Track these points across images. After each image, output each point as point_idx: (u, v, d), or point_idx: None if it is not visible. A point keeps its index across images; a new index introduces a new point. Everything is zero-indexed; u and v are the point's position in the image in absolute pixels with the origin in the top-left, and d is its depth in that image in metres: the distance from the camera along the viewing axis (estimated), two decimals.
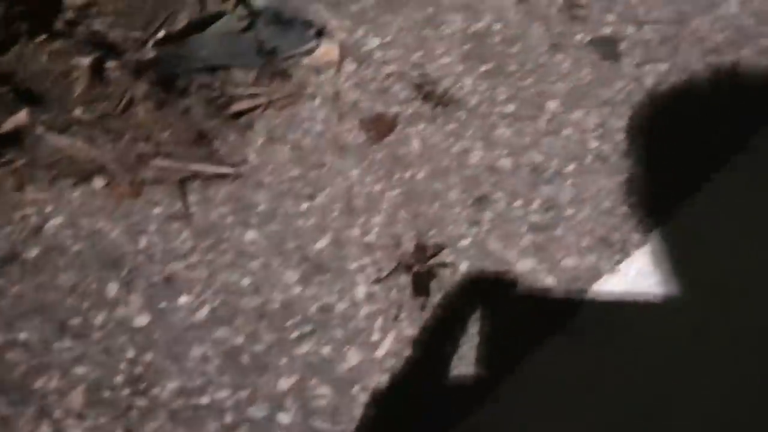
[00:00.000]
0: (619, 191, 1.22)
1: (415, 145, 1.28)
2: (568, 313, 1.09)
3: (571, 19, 1.46)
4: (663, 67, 1.42)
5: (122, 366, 1.01)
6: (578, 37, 1.44)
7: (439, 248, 1.17)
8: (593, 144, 1.29)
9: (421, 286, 1.12)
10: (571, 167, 1.26)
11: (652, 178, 1.24)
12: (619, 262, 1.15)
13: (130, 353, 1.03)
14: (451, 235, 1.17)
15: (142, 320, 1.05)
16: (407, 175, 1.23)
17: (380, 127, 1.28)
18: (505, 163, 1.26)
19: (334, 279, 1.10)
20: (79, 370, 1.01)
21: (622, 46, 1.43)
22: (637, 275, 1.14)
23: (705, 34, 1.45)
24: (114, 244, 1.13)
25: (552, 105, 1.35)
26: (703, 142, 1.28)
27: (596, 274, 1.14)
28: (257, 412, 1.00)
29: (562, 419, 0.99)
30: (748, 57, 1.41)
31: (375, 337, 1.07)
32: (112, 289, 1.08)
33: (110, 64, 1.28)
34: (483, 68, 1.40)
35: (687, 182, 1.24)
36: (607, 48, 1.44)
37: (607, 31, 1.45)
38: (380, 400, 1.01)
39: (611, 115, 1.33)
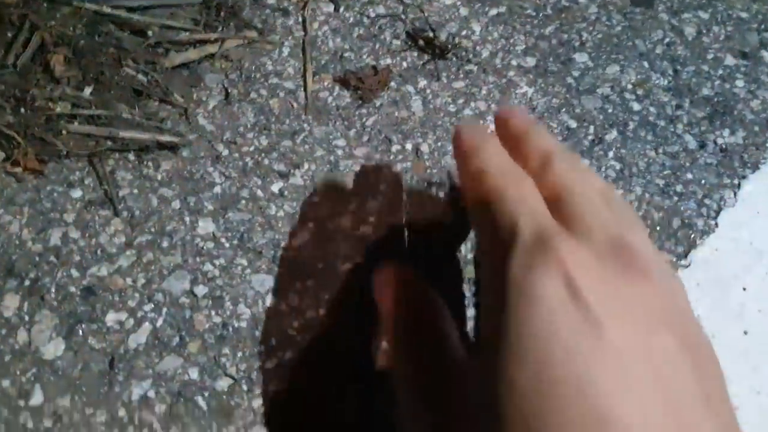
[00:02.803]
0: (674, 166, 0.91)
1: (416, 107, 0.95)
2: None
3: None
4: (704, 15, 1.12)
5: (21, 419, 0.67)
6: None
7: None
8: (635, 106, 0.98)
9: None
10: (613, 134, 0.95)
11: (710, 150, 0.95)
12: (684, 255, 0.85)
13: (36, 398, 0.68)
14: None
15: (53, 350, 0.71)
16: (408, 146, 0.90)
17: (370, 84, 0.95)
18: None
19: (320, 287, 0.77)
20: None
21: None
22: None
23: None
24: (14, 240, 0.78)
25: (580, 58, 1.04)
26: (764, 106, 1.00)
27: None
28: None
29: None
30: None
31: None
32: (11, 304, 0.73)
33: None
34: (493, 12, 1.08)
35: (750, 152, 0.95)
36: None
37: None
38: None
39: (651, 71, 1.03)
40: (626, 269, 0.33)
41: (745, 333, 0.78)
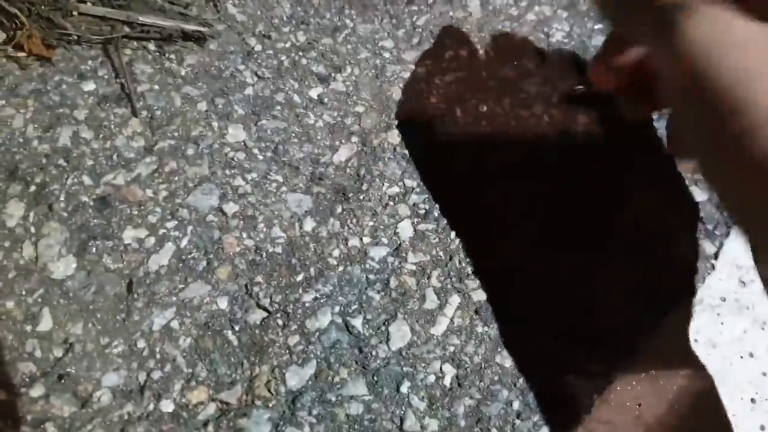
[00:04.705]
0: None
1: (473, 6, 0.82)
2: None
3: None
4: None
5: (28, 346, 0.58)
6: None
7: None
8: None
9: None
10: None
11: None
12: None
13: (44, 323, 0.59)
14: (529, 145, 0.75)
15: (63, 269, 0.61)
16: (463, 52, 0.77)
17: None
18: (601, 42, 0.81)
19: (362, 213, 0.67)
20: None
21: None
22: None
23: None
24: (17, 137, 0.66)
25: None
26: None
27: None
28: (252, 426, 0.59)
29: None
30: None
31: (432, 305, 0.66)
32: (15, 212, 0.63)
33: None
34: None
35: None
36: None
37: None
38: None
39: None
40: None
41: None
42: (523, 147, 0.75)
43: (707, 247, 0.73)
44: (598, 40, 0.82)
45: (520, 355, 0.66)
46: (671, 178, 0.75)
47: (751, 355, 0.65)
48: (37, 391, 0.58)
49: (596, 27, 0.83)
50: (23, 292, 0.60)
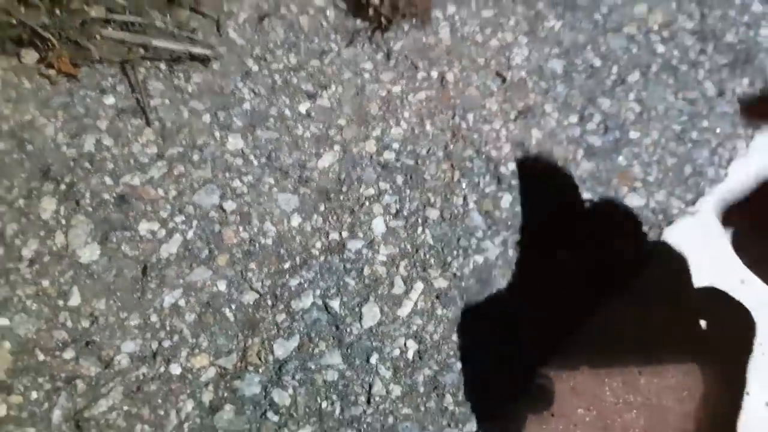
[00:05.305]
0: (692, 112, 0.92)
1: (444, 34, 0.94)
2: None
3: None
4: None
5: (61, 318, 0.70)
6: None
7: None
8: (660, 48, 0.97)
9: None
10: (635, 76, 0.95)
11: (727, 98, 0.94)
12: (692, 202, 0.87)
13: (74, 299, 0.71)
14: (490, 156, 0.87)
15: (89, 254, 0.73)
16: (434, 74, 0.89)
17: (398, 4, 0.93)
18: (556, 65, 0.94)
19: (342, 211, 0.79)
20: (0, 321, 0.69)
21: None
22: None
23: None
24: (49, 143, 0.78)
25: None
26: None
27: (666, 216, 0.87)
28: (245, 387, 0.72)
29: None
30: None
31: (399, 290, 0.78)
32: (48, 207, 0.75)
33: None
34: None
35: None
36: None
37: None
38: None
39: (678, 12, 1.01)
40: None
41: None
42: (484, 156, 0.87)
43: (646, 243, 0.85)
44: (554, 63, 0.94)
45: (472, 334, 0.78)
46: (612, 185, 0.87)
47: None
48: (68, 354, 0.70)
49: (553, 51, 0.95)
50: (56, 274, 0.73)
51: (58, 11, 0.82)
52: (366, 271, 0.77)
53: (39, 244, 0.74)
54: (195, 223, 0.77)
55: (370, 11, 0.92)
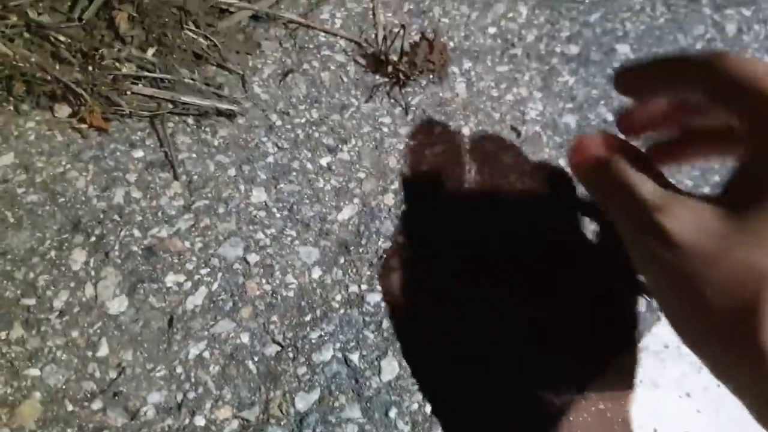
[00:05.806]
0: (703, 168, 0.94)
1: (460, 89, 0.97)
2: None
3: None
4: (746, 12, 1.11)
5: (90, 368, 0.72)
6: None
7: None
8: None
9: None
10: None
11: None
12: None
13: (102, 350, 0.73)
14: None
15: (117, 306, 0.75)
16: (452, 126, 0.92)
17: (415, 60, 0.96)
18: (570, 119, 0.96)
19: (361, 264, 0.81)
20: (31, 372, 0.71)
21: None
22: None
23: None
24: (80, 196, 0.81)
25: (622, 49, 1.04)
26: None
27: None
28: None
29: None
30: None
31: None
32: (78, 258, 0.78)
33: None
34: None
35: None
36: None
37: None
38: None
39: None
40: None
41: None
42: (498, 211, 0.89)
43: (654, 302, 0.87)
44: (568, 118, 0.97)
45: (480, 393, 0.80)
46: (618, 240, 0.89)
47: (688, 395, 0.78)
48: (96, 404, 0.72)
49: (567, 106, 0.98)
50: (86, 325, 0.75)
51: (90, 68, 0.85)
52: (385, 324, 0.79)
53: (69, 295, 0.77)
54: (220, 275, 0.79)
55: (389, 68, 0.95)
